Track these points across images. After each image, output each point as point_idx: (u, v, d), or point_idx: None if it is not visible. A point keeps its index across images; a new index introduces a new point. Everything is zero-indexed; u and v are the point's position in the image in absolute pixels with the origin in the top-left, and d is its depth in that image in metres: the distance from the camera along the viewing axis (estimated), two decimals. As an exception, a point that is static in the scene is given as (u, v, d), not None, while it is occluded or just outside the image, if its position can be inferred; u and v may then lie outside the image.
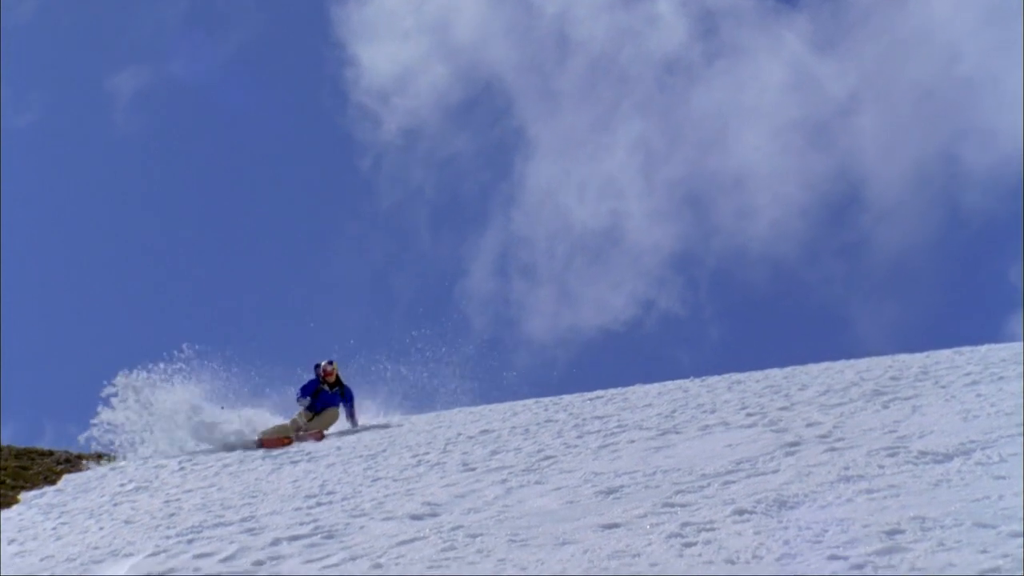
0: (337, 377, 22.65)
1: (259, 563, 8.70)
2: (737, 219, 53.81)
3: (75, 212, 58.42)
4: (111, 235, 58.18)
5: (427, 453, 14.77)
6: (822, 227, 54.55)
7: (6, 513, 15.10)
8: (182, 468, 17.68)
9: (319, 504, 11.41)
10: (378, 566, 7.96)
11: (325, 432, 21.53)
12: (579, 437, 14.05)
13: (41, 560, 10.36)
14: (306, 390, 22.23)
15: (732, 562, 6.72)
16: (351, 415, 22.55)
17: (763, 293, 53.96)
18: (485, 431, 16.95)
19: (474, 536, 8.53)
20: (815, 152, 55.19)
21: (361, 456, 15.87)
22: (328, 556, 8.62)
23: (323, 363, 22.64)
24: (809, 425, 11.93)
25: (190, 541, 10.11)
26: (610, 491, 9.74)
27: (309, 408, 21.91)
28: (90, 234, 58.34)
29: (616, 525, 8.24)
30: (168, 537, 10.50)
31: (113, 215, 58.73)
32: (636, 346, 49.70)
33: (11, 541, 12.14)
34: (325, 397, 22.29)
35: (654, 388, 20.27)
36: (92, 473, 17.98)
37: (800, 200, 52.22)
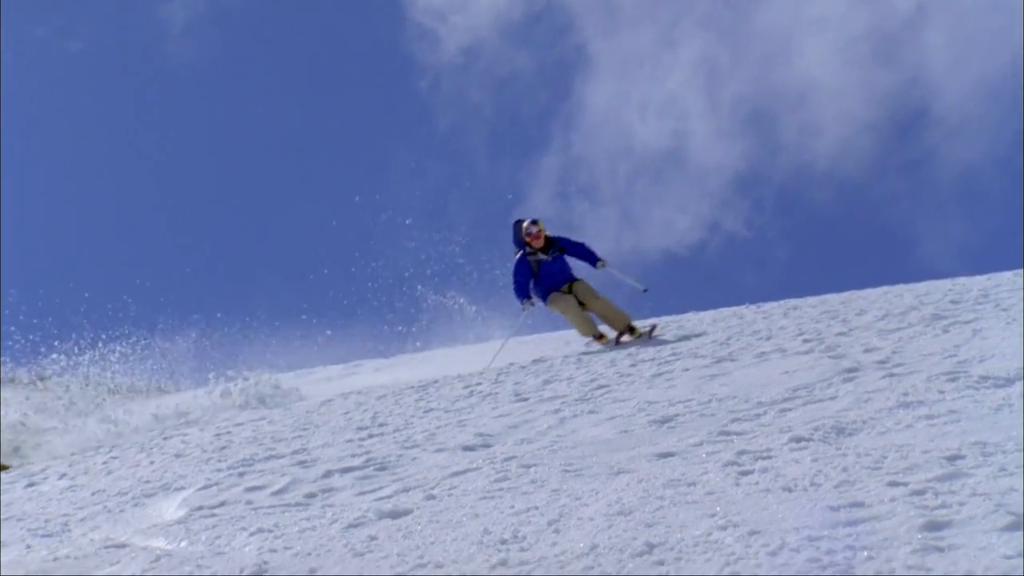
0: (546, 237, 17.25)
1: (311, 495, 8.65)
2: (802, 136, 53.23)
3: (122, 141, 58.62)
4: (160, 166, 58.39)
5: (479, 384, 14.69)
6: (888, 143, 53.93)
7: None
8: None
9: (371, 436, 11.35)
10: (431, 497, 7.87)
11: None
12: (632, 366, 13.93)
13: (92, 494, 10.37)
14: (524, 273, 17.03)
15: (790, 490, 6.58)
16: (595, 259, 17.35)
17: (829, 212, 53.48)
18: (537, 360, 16.88)
19: (527, 466, 8.43)
20: (881, 67, 54.44)
21: (412, 387, 15.84)
22: (381, 488, 8.55)
23: (525, 222, 17.13)
24: (867, 351, 11.75)
25: (241, 474, 10.08)
26: (665, 420, 9.61)
27: (546, 293, 17.13)
28: (139, 164, 58.58)
29: (671, 454, 8.12)
30: (219, 470, 10.48)
31: (162, 145, 58.92)
32: (702, 269, 49.50)
33: (62, 476, 12.19)
34: (549, 270, 17.20)
35: (708, 315, 20.15)
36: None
37: (866, 116, 51.64)
